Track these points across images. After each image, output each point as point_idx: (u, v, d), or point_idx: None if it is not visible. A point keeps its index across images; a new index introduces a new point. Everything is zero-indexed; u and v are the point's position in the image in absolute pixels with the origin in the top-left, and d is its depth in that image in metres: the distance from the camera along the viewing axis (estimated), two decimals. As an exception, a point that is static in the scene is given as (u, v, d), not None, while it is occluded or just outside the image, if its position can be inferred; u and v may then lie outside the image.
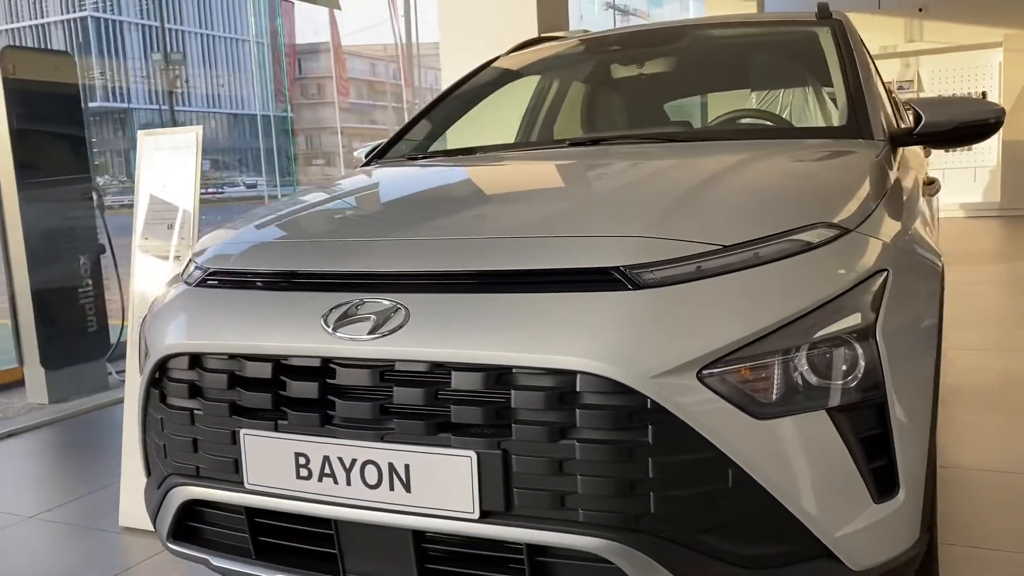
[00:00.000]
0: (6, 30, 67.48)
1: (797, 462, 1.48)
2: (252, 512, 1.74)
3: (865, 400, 1.53)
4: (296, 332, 1.65)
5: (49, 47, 64.73)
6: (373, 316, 1.59)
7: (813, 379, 1.50)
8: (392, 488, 1.56)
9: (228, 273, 1.86)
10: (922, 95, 13.61)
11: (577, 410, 1.45)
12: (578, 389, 1.45)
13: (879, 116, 2.37)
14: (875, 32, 13.40)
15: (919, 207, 2.29)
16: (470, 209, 2.00)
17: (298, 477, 1.64)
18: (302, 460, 1.64)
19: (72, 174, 4.78)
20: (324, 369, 1.62)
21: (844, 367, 1.52)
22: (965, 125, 2.38)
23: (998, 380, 4.06)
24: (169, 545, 1.89)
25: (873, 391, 1.53)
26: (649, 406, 1.42)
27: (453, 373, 1.51)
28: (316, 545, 1.71)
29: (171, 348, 1.80)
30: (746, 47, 3.11)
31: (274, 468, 1.67)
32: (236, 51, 68.51)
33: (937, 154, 13.29)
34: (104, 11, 66.45)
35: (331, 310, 1.63)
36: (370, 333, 1.57)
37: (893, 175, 2.14)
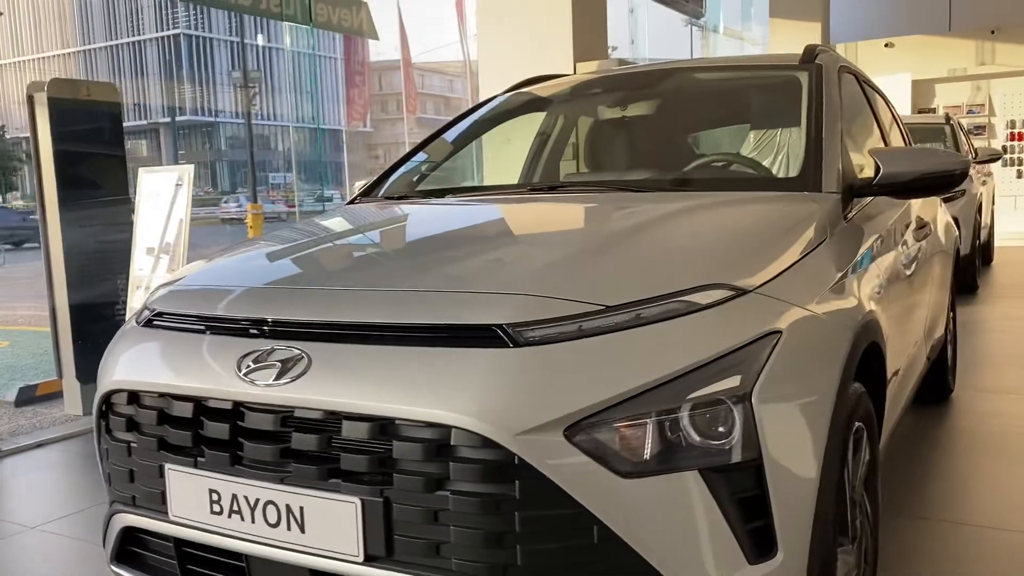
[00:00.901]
0: (105, 47, 70.68)
1: (665, 521, 1.52)
2: (179, 541, 1.86)
3: (740, 462, 1.55)
4: (214, 375, 1.76)
5: (145, 64, 67.54)
6: (279, 363, 1.69)
7: (686, 439, 1.53)
8: (289, 528, 1.66)
9: (169, 315, 1.99)
10: (993, 120, 13.19)
11: (451, 463, 1.51)
12: (452, 443, 1.52)
13: (834, 168, 2.36)
14: (945, 54, 13.08)
15: (867, 258, 2.29)
16: (385, 258, 2.10)
17: (211, 512, 1.75)
18: (215, 496, 1.74)
19: (112, 196, 5.04)
20: (236, 412, 1.72)
21: (720, 428, 1.55)
22: (925, 176, 2.37)
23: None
24: (112, 567, 2.02)
25: (749, 453, 1.56)
26: (516, 462, 1.49)
27: (343, 422, 1.60)
28: (235, 575, 1.81)
29: (113, 384, 1.94)
30: (728, 90, 3.13)
31: (192, 502, 1.78)
32: (316, 67, 70.34)
33: (1008, 179, 12.85)
34: (196, 29, 69.01)
35: (245, 355, 1.74)
36: (275, 379, 1.67)
37: (835, 227, 2.15)
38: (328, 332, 1.71)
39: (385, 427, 1.56)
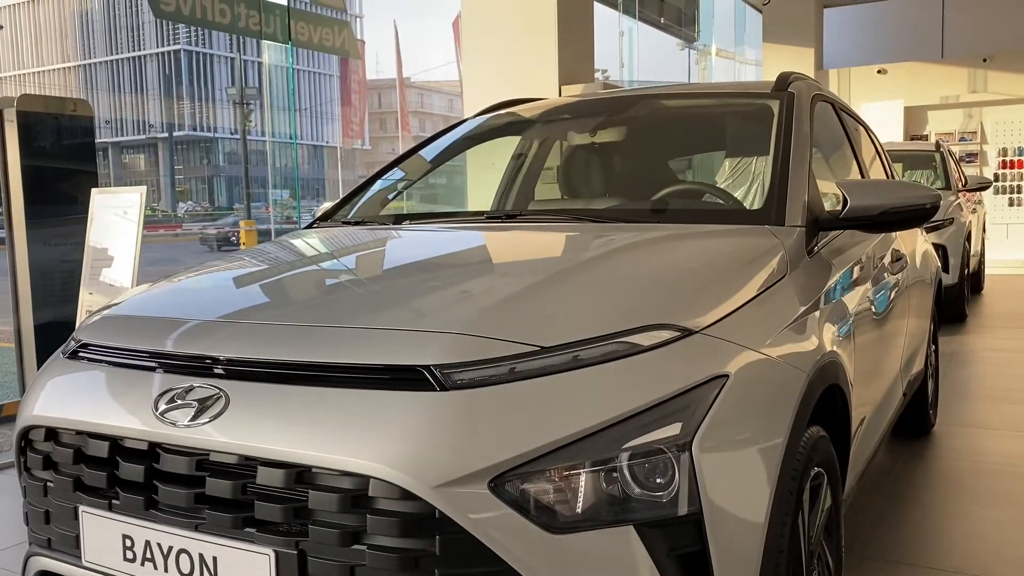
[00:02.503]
0: (105, 62, 70.83)
1: (597, 580, 1.42)
2: (95, 588, 1.75)
3: (680, 516, 1.46)
4: (130, 414, 1.66)
5: (144, 79, 67.69)
6: (196, 403, 1.59)
7: (622, 491, 1.44)
8: (202, 579, 1.55)
9: (93, 347, 1.89)
10: (985, 147, 13.17)
11: (368, 515, 1.42)
12: (370, 494, 1.42)
13: (799, 200, 2.28)
14: (937, 82, 13.09)
15: (832, 295, 2.20)
16: (318, 292, 2.01)
17: (124, 559, 1.65)
18: (128, 542, 1.64)
19: (82, 213, 4.96)
20: (151, 453, 1.62)
21: (659, 479, 1.46)
22: (894, 211, 2.29)
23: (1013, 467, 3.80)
24: (28, 613, 1.91)
25: (688, 507, 1.46)
26: (436, 515, 1.39)
27: (259, 467, 1.50)
28: (150, 628, 1.70)
29: (30, 419, 1.84)
30: (699, 118, 3.05)
31: (106, 548, 1.68)
32: (315, 85, 70.54)
33: (1000, 207, 12.82)
34: (196, 45, 69.24)
35: (163, 393, 1.64)
36: (192, 420, 1.57)
37: (796, 263, 2.07)
38: (248, 370, 1.61)
39: (302, 474, 1.47)
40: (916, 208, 2.31)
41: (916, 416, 3.97)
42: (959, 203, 8.00)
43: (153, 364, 1.73)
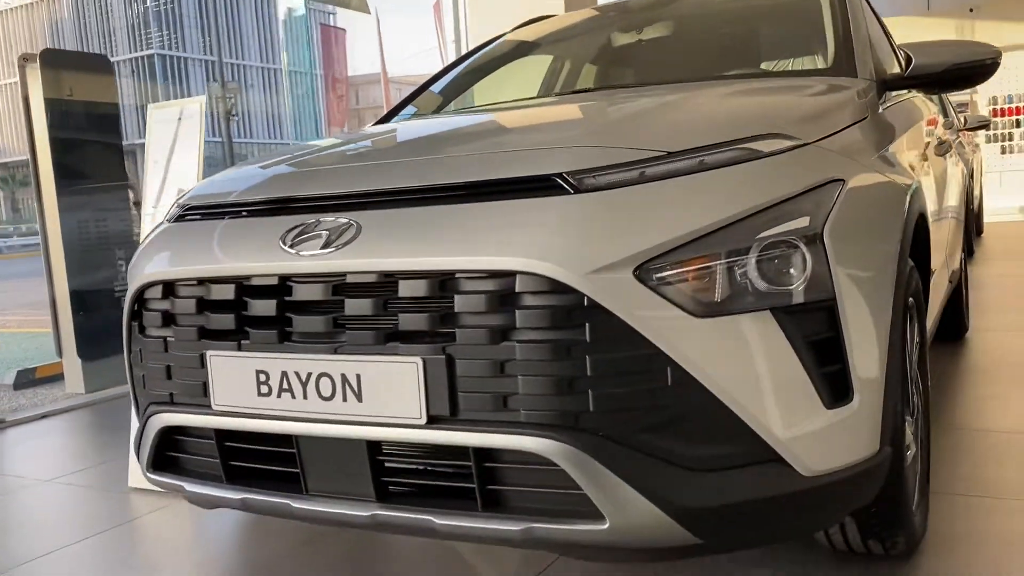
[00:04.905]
0: (78, 69, 70.05)
1: (739, 362, 1.46)
2: (222, 436, 1.78)
3: (813, 302, 1.51)
4: (256, 253, 1.69)
5: (119, 85, 67.23)
6: (326, 232, 1.62)
7: (756, 279, 1.48)
8: (345, 399, 1.59)
9: (201, 208, 1.92)
10: (975, 97, 13.30)
11: (516, 311, 1.45)
12: (517, 290, 1.46)
13: (866, 58, 2.34)
14: (924, 34, 13.16)
15: (903, 146, 2.25)
16: (431, 139, 2.05)
17: (259, 395, 1.68)
18: (262, 377, 1.67)
19: (110, 180, 4.99)
20: (282, 287, 1.65)
21: (791, 269, 1.51)
22: (957, 67, 2.34)
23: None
24: (148, 475, 1.94)
25: (822, 293, 1.51)
26: (585, 303, 1.43)
27: (400, 281, 1.53)
28: (282, 465, 1.73)
29: (146, 278, 1.86)
30: (748, 12, 3.09)
31: (238, 387, 1.70)
32: (294, 84, 70.24)
33: (993, 155, 12.96)
34: (170, 48, 68.75)
35: (289, 231, 1.67)
36: (323, 248, 1.61)
37: (874, 109, 2.12)
38: (377, 200, 1.65)
39: (445, 283, 1.50)
40: (979, 64, 2.36)
41: (954, 319, 4.05)
42: (960, 141, 8.09)
43: (274, 208, 1.76)
